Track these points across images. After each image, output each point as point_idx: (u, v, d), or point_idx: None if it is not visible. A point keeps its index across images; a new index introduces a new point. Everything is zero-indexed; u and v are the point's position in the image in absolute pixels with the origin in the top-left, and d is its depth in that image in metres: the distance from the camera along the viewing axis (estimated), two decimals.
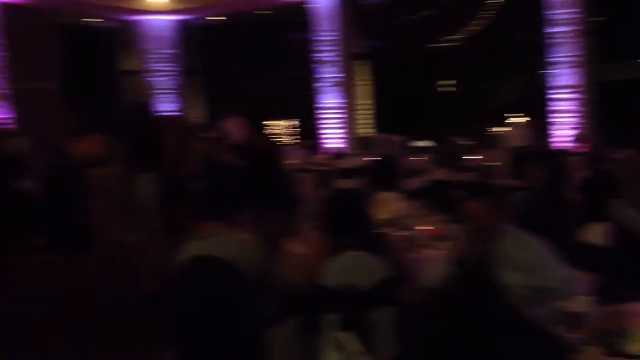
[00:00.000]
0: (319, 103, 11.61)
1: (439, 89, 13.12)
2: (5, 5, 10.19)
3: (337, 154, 10.20)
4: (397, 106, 12.20)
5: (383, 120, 12.06)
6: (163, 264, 5.86)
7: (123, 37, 13.24)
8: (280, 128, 12.94)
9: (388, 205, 4.50)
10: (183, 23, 13.21)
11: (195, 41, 13.65)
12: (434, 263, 3.00)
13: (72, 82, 11.60)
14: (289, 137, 12.77)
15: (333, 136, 11.46)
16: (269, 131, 12.37)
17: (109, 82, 13.25)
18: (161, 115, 5.84)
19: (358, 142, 9.10)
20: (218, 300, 3.02)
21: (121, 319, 5.32)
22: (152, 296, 5.60)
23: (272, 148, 6.68)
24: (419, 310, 2.81)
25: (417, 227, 4.19)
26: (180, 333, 3.16)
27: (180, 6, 12.14)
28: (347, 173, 7.58)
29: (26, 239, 5.46)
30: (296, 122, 13.02)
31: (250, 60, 13.21)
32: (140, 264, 6.34)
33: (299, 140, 12.25)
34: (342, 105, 11.50)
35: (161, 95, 12.83)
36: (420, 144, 10.01)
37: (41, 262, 5.44)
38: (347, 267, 2.83)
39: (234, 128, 9.09)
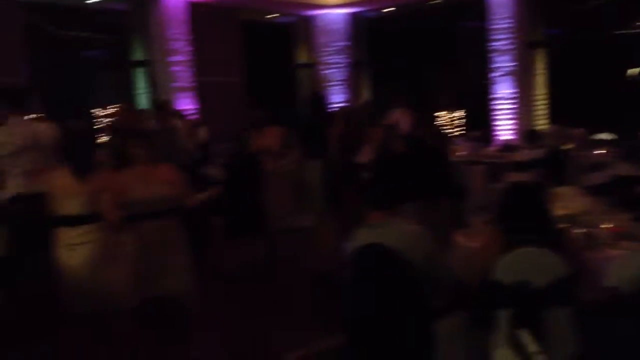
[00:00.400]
0: (492, 93, 11.26)
1: (621, 79, 12.16)
2: (192, 3, 10.99)
3: (507, 146, 9.84)
4: (575, 96, 11.49)
5: (559, 111, 11.43)
6: (332, 249, 6.05)
7: (299, 31, 13.76)
8: (448, 119, 12.71)
9: (565, 201, 4.27)
10: (353, 16, 13.43)
11: (364, 33, 13.82)
12: (616, 262, 2.80)
13: (253, 76, 12.27)
14: (457, 128, 12.51)
15: (505, 128, 11.07)
16: (437, 122, 12.21)
17: (286, 75, 13.84)
18: (333, 106, 5.99)
19: (526, 135, 8.70)
20: (386, 288, 3.06)
21: (291, 299, 5.58)
22: (322, 279, 5.82)
23: (440, 139, 6.61)
24: (605, 311, 2.65)
25: (601, 225, 3.93)
26: (351, 318, 3.24)
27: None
28: (520, 166, 7.28)
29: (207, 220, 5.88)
30: (464, 113, 12.72)
31: (419, 51, 13.11)
32: (311, 248, 6.60)
33: (466, 132, 11.96)
34: (515, 96, 11.07)
35: (333, 87, 13.18)
36: (601, 136, 9.36)
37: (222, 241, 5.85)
38: (523, 263, 2.74)
39: (400, 119, 9.11)
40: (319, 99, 6.22)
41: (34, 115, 5.18)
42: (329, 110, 6.13)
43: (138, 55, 11.21)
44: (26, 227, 4.47)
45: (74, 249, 3.91)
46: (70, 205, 3.96)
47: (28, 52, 9.37)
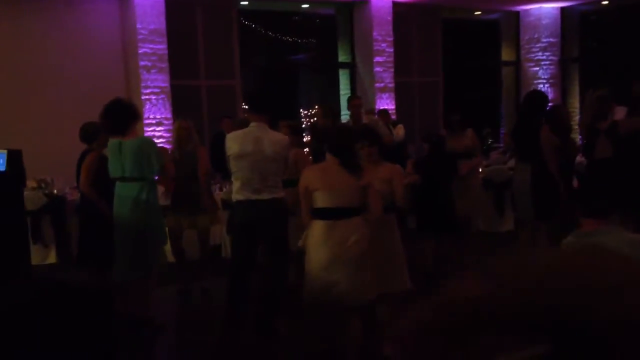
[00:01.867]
0: None
1: None
2: (395, 4, 11.12)
3: None
4: None
5: None
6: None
7: (503, 28, 13.31)
8: None
9: None
10: (564, 10, 12.68)
11: (576, 28, 12.98)
12: None
13: (454, 75, 12.11)
14: None
15: None
16: None
17: (489, 74, 13.47)
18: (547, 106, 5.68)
19: None
20: None
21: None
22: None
23: None
24: None
25: None
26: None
27: None
28: None
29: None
30: None
31: (635, 47, 12.01)
32: (509, 253, 6.34)
33: None
34: None
35: (539, 85, 12.56)
36: None
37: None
38: None
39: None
40: (535, 97, 5.89)
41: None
42: (545, 110, 5.78)
43: (343, 57, 11.61)
44: (247, 229, 4.67)
45: (340, 244, 3.86)
46: (332, 199, 3.92)
47: (242, 55, 10.13)
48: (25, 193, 5.92)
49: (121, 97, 5.00)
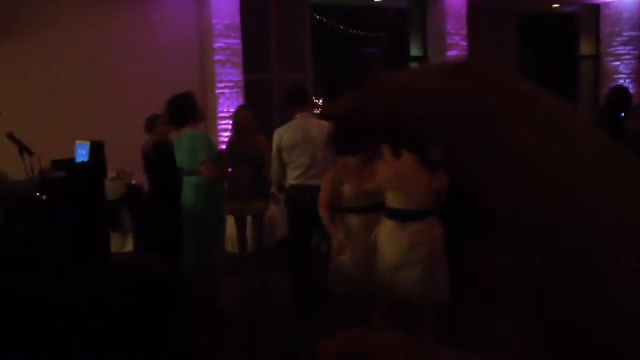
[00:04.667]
0: None
1: None
2: None
3: None
4: None
5: None
6: None
7: (583, 21, 12.86)
8: None
9: None
10: None
11: None
12: None
13: (530, 69, 11.78)
14: None
15: None
16: None
17: (567, 68, 13.05)
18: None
19: None
20: None
21: None
22: None
23: None
24: None
25: None
26: None
27: None
28: None
29: None
30: None
31: None
32: None
33: None
34: None
35: (620, 80, 12.08)
36: None
37: None
38: None
39: None
40: (621, 92, 5.68)
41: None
42: (630, 107, 5.56)
43: (415, 51, 11.48)
44: (304, 213, 4.78)
45: (411, 246, 3.74)
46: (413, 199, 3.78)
47: (314, 48, 10.17)
48: (106, 183, 6.14)
49: (186, 91, 5.13)
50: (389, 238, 3.80)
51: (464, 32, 10.93)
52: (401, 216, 3.78)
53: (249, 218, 6.29)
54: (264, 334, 4.94)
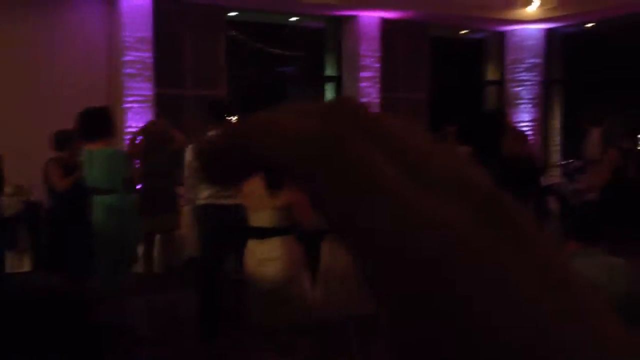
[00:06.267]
0: None
1: None
2: (383, 20, 11.16)
3: None
4: None
5: None
6: None
7: (490, 47, 13.43)
8: None
9: None
10: (548, 31, 12.80)
11: (559, 49, 13.13)
12: None
13: (439, 92, 12.16)
14: None
15: None
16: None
17: (474, 92, 13.55)
18: (507, 125, 5.68)
19: None
20: None
21: None
22: None
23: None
24: None
25: None
26: None
27: (554, 14, 11.78)
28: None
29: None
30: None
31: (621, 69, 12.16)
32: None
33: None
34: None
35: (521, 105, 12.66)
36: None
37: None
38: None
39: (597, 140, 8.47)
40: (495, 116, 5.94)
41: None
42: (508, 128, 5.82)
43: (329, 71, 11.62)
44: (216, 233, 4.70)
45: (264, 264, 3.81)
46: (262, 218, 3.89)
47: (228, 66, 10.10)
48: (2, 199, 5.82)
49: (99, 105, 4.96)
50: (247, 256, 3.82)
51: (378, 54, 11.16)
52: (255, 234, 3.87)
53: (157, 235, 6.12)
54: (171, 356, 4.82)
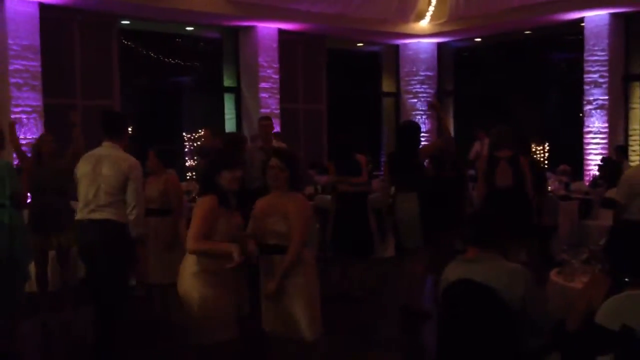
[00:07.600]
0: (584, 126, 10.86)
1: None
2: (281, 31, 11.21)
3: (597, 182, 9.39)
4: None
5: None
6: (418, 281, 5.93)
7: (385, 60, 13.78)
8: (535, 152, 12.29)
9: None
10: (440, 45, 13.33)
11: (450, 63, 13.70)
12: None
13: (337, 103, 12.34)
14: (542, 161, 12.06)
15: (595, 162, 10.62)
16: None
17: (371, 104, 13.85)
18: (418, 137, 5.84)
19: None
20: (477, 326, 2.94)
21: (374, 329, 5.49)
22: (410, 310, 5.72)
23: (539, 172, 6.38)
24: None
25: None
26: (442, 355, 3.14)
27: (444, 29, 12.27)
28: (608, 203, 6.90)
29: None
30: (547, 146, 12.27)
31: (505, 82, 12.86)
32: (397, 279, 6.50)
33: (549, 166, 11.50)
34: (608, 130, 10.62)
35: (417, 117, 13.07)
36: None
37: None
38: (631, 307, 2.56)
39: (484, 150, 8.89)
40: (409, 128, 6.09)
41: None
42: (421, 140, 5.98)
43: (228, 81, 11.52)
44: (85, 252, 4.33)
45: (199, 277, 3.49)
46: None
47: (122, 75, 9.78)
48: None
49: None
50: (189, 274, 3.67)
51: (276, 65, 11.19)
52: None
53: (51, 253, 5.81)
54: None
